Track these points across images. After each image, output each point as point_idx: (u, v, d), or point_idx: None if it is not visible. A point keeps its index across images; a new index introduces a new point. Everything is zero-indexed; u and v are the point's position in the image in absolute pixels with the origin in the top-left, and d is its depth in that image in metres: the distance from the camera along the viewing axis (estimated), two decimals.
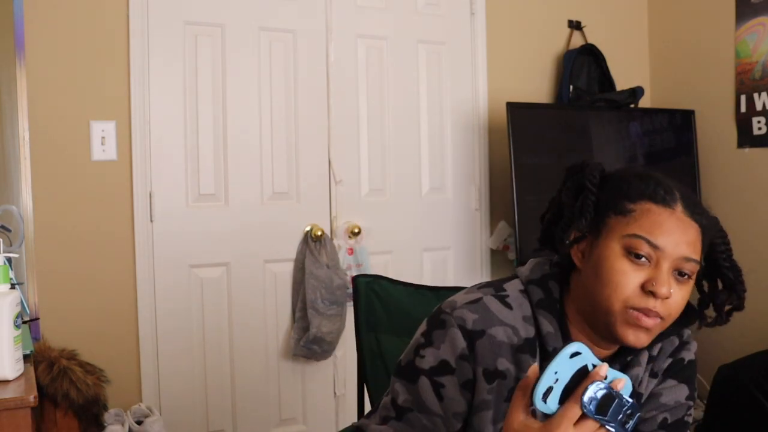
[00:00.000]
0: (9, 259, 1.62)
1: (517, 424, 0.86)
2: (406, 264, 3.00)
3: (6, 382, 1.48)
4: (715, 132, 3.31)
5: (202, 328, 2.68)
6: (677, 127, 3.33)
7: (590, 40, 3.38)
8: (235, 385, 2.73)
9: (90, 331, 2.45)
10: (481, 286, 1.14)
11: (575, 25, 3.40)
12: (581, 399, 0.83)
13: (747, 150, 3.20)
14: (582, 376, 0.86)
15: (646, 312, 1.00)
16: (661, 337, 1.10)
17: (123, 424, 2.28)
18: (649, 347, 1.14)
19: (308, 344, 2.72)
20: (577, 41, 3.39)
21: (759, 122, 3.13)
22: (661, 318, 1.01)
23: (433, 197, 3.10)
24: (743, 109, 3.19)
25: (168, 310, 2.61)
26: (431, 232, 3.09)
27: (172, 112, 2.63)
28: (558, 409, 0.85)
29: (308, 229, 2.82)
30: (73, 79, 2.47)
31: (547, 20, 3.35)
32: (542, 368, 0.86)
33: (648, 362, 1.14)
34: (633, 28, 3.60)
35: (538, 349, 1.08)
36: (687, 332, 1.19)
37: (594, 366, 0.86)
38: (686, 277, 1.03)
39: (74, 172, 2.48)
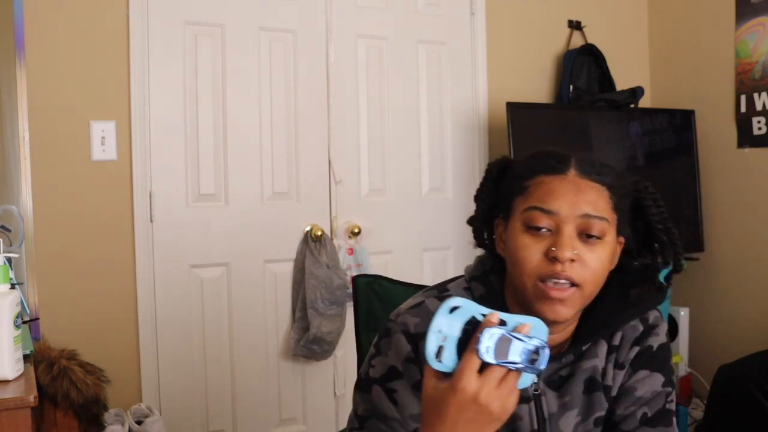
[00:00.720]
0: (9, 259, 1.62)
1: (429, 390, 0.88)
2: (406, 264, 3.00)
3: (6, 382, 1.48)
4: (715, 132, 3.31)
5: (202, 328, 2.68)
6: (677, 127, 3.33)
7: (590, 40, 3.38)
8: (235, 385, 2.73)
9: (90, 331, 2.45)
10: (426, 290, 1.16)
11: (575, 25, 3.40)
12: (477, 348, 0.83)
13: (747, 150, 3.20)
14: (476, 329, 0.86)
15: (555, 277, 0.99)
16: (619, 323, 1.09)
17: (123, 424, 2.28)
18: (609, 337, 1.11)
19: (308, 344, 2.72)
20: (577, 41, 3.39)
21: (759, 122, 3.13)
22: (575, 285, 1.00)
23: (433, 197, 3.10)
24: (743, 109, 3.19)
25: (168, 310, 2.61)
26: (431, 232, 3.09)
27: (172, 112, 2.63)
28: (458, 363, 0.85)
29: (308, 229, 2.82)
30: (73, 79, 2.47)
31: (547, 20, 3.35)
32: None
33: (610, 352, 1.11)
34: (633, 28, 3.60)
35: None
36: (653, 315, 1.13)
37: (484, 316, 0.86)
38: (595, 238, 1.01)
39: (74, 172, 2.48)
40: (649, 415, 1.09)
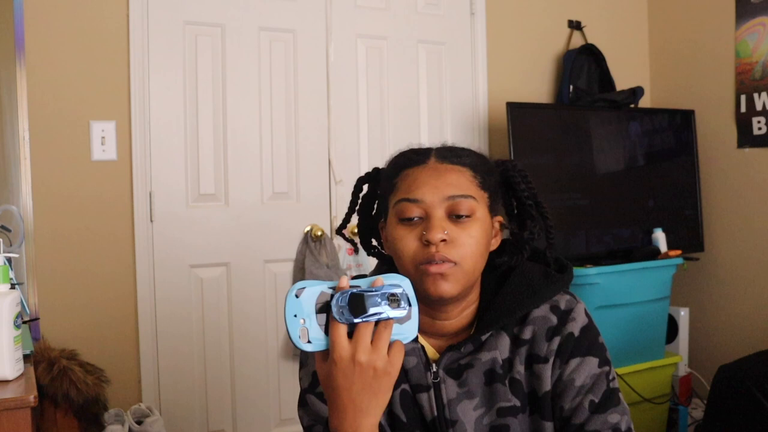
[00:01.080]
0: (9, 259, 1.62)
1: (321, 375, 0.91)
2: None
3: (6, 382, 1.48)
4: (715, 132, 3.31)
5: (202, 328, 2.68)
6: (677, 127, 3.33)
7: (590, 40, 3.38)
8: (235, 385, 2.73)
9: (90, 331, 2.45)
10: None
11: (575, 25, 3.40)
12: (332, 315, 0.85)
13: (747, 150, 3.20)
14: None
15: (431, 259, 1.03)
16: (519, 311, 1.09)
17: (123, 424, 2.28)
18: (516, 330, 1.11)
19: None
20: (577, 41, 3.39)
21: (759, 122, 3.13)
22: (453, 262, 1.04)
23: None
24: (743, 109, 3.19)
25: (168, 310, 2.61)
26: None
27: (172, 112, 2.63)
28: (327, 338, 0.87)
29: (308, 229, 2.83)
30: (73, 79, 2.47)
31: (547, 20, 3.35)
32: None
33: (518, 345, 1.10)
34: (633, 28, 3.60)
35: None
36: (564, 300, 1.12)
37: (332, 288, 0.88)
38: (465, 217, 1.06)
39: (74, 172, 2.48)
40: (597, 401, 1.08)
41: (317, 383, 1.11)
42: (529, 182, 1.15)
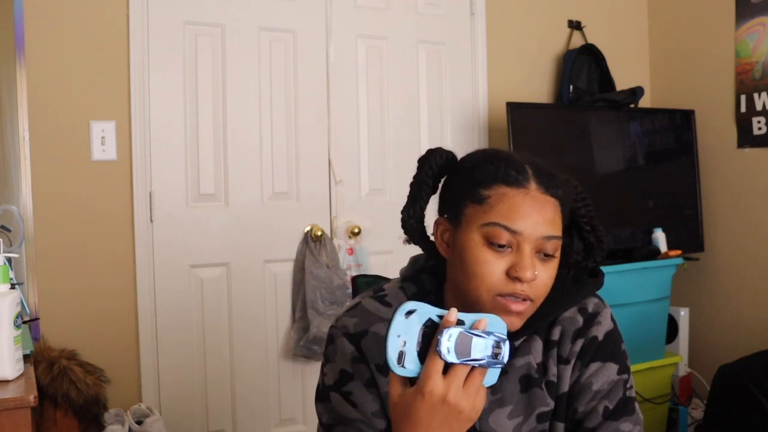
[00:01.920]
0: (9, 259, 1.62)
1: (396, 398, 0.89)
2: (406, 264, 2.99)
3: (6, 382, 1.49)
4: (715, 132, 3.31)
5: (202, 328, 2.68)
6: (677, 127, 3.33)
7: (590, 40, 3.37)
8: (235, 385, 2.73)
9: (90, 331, 2.45)
10: (363, 292, 1.19)
11: (575, 25, 3.40)
12: (438, 350, 0.83)
13: (747, 150, 3.20)
14: (435, 330, 0.86)
15: (515, 295, 1.00)
16: (552, 314, 1.09)
17: (123, 424, 2.28)
18: (546, 332, 1.11)
19: (308, 344, 2.72)
20: (577, 41, 3.39)
21: (759, 122, 3.13)
22: (531, 300, 1.02)
23: (433, 197, 3.10)
24: (743, 109, 3.19)
25: (168, 310, 2.61)
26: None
27: (172, 112, 2.63)
28: (421, 366, 0.86)
29: (308, 229, 2.82)
30: (73, 79, 2.47)
31: (547, 20, 3.35)
32: None
33: (549, 347, 1.10)
34: (633, 28, 3.60)
35: None
36: (592, 303, 1.13)
37: (440, 317, 0.86)
38: (550, 256, 1.03)
39: (74, 172, 2.48)
40: (611, 408, 1.07)
41: (344, 382, 1.10)
42: (589, 207, 1.12)
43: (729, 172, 3.28)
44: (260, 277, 2.78)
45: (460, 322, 0.86)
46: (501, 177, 1.03)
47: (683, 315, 3.25)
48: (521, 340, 1.10)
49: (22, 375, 1.54)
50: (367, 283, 1.79)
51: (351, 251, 2.88)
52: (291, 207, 2.83)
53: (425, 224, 1.15)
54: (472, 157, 1.10)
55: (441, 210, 1.12)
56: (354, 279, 1.81)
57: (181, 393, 2.63)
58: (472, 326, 0.86)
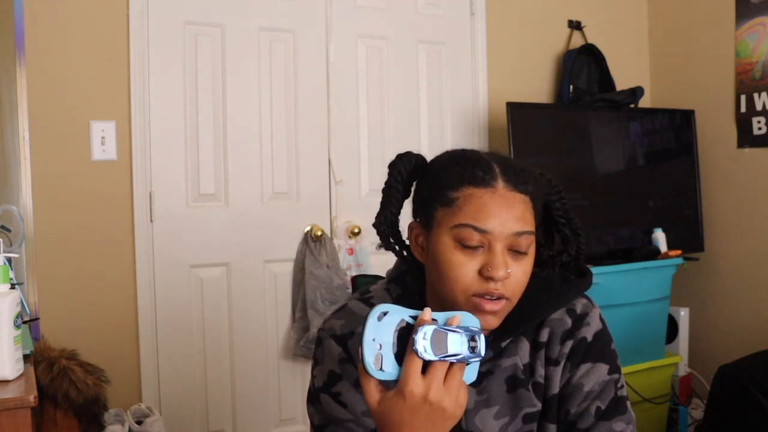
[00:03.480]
0: (9, 259, 1.62)
1: (375, 404, 0.87)
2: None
3: (6, 382, 1.48)
4: (715, 132, 3.31)
5: (202, 328, 2.68)
6: (677, 127, 3.33)
7: (590, 40, 3.37)
8: (235, 385, 2.73)
9: (90, 331, 2.45)
10: (352, 294, 1.20)
11: (575, 25, 3.40)
12: (414, 349, 0.83)
13: (747, 150, 3.20)
14: (410, 331, 0.85)
15: (489, 294, 1.00)
16: (539, 316, 1.09)
17: (123, 424, 2.28)
18: (534, 333, 1.10)
19: (308, 344, 2.72)
20: (577, 41, 3.39)
21: (759, 122, 3.13)
22: (506, 298, 1.02)
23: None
24: (743, 109, 3.19)
25: (168, 310, 2.61)
26: None
27: (172, 112, 2.63)
28: (399, 369, 0.85)
29: (308, 229, 2.82)
30: (73, 79, 2.47)
31: (547, 20, 3.35)
32: None
33: (537, 349, 1.10)
34: (633, 28, 3.60)
35: None
36: (581, 304, 1.12)
37: (413, 317, 0.86)
38: (523, 253, 1.02)
39: (74, 172, 2.48)
40: (603, 408, 1.07)
41: (333, 383, 1.10)
42: (563, 200, 1.11)
43: (729, 172, 3.28)
44: (260, 277, 2.78)
45: (433, 321, 0.85)
46: (468, 178, 1.03)
47: (683, 315, 3.25)
48: (508, 341, 1.09)
49: (22, 375, 1.54)
50: (366, 283, 1.79)
51: (351, 251, 2.88)
52: (291, 207, 2.83)
53: (401, 229, 1.14)
54: (439, 160, 1.10)
55: (414, 214, 1.13)
56: (354, 279, 1.82)
57: (181, 393, 2.63)
58: (446, 323, 0.86)
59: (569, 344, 1.09)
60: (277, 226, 2.80)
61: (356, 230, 2.86)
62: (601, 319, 1.13)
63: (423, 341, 0.83)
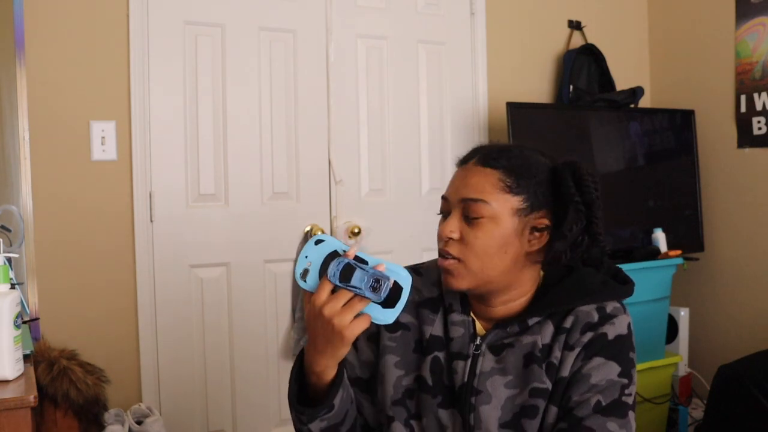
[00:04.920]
0: (9, 259, 1.62)
1: (306, 316, 1.05)
2: (406, 264, 2.99)
3: (6, 382, 1.48)
4: (715, 132, 3.31)
5: (202, 328, 2.68)
6: (677, 127, 3.33)
7: (590, 40, 3.38)
8: (235, 385, 2.73)
9: (90, 331, 2.45)
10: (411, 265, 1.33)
11: (575, 25, 3.40)
12: (326, 272, 1.01)
13: (747, 150, 3.20)
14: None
15: (441, 253, 1.16)
16: (566, 305, 1.15)
17: (123, 424, 2.28)
18: (560, 318, 1.15)
19: None
20: (577, 41, 3.39)
21: (759, 122, 3.13)
22: (457, 259, 1.14)
23: (433, 197, 3.10)
24: (743, 109, 3.19)
25: (168, 310, 2.61)
26: (431, 232, 3.05)
27: (172, 112, 2.63)
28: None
29: (308, 229, 2.82)
30: (73, 79, 2.47)
31: (547, 20, 3.35)
32: None
33: (558, 333, 1.15)
34: (633, 28, 3.60)
35: (441, 306, 1.23)
36: (612, 306, 1.16)
37: (344, 251, 1.02)
38: (474, 219, 1.14)
39: (74, 172, 2.48)
40: (603, 404, 1.10)
41: None
42: (585, 185, 1.16)
43: (729, 172, 3.28)
44: (260, 277, 2.78)
45: (363, 262, 1.01)
46: (458, 161, 1.22)
47: (683, 315, 3.25)
48: (535, 320, 1.16)
49: (22, 375, 1.53)
50: None
51: None
52: (291, 207, 2.83)
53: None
54: None
55: None
56: None
57: (181, 393, 2.63)
58: (373, 267, 1.00)
59: (589, 335, 1.13)
60: (277, 226, 2.80)
61: (356, 230, 2.86)
62: (629, 327, 1.17)
63: (334, 268, 1.00)
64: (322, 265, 1.02)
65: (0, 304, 1.47)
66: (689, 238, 3.28)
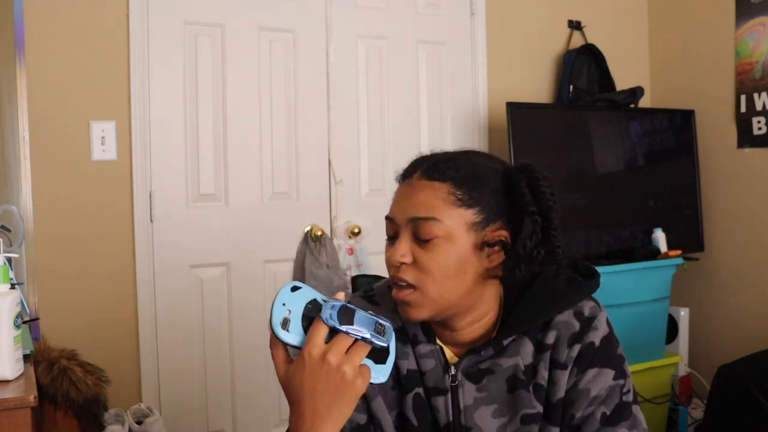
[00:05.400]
0: (9, 259, 1.62)
1: (281, 377, 0.88)
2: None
3: (6, 382, 1.48)
4: (715, 132, 3.31)
5: (202, 328, 2.68)
6: (677, 127, 3.33)
7: (590, 40, 3.37)
8: (235, 385, 2.73)
9: (90, 331, 2.45)
10: (356, 292, 1.22)
11: (575, 25, 3.40)
12: (320, 315, 0.85)
13: (747, 150, 3.20)
14: (320, 310, 0.87)
15: (395, 281, 1.03)
16: (541, 317, 1.07)
17: (123, 424, 2.28)
18: (541, 334, 1.08)
19: None
20: (577, 41, 3.39)
21: (759, 122, 3.13)
22: (413, 286, 1.02)
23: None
24: (743, 109, 3.19)
25: (168, 310, 2.61)
26: None
27: (172, 112, 2.63)
28: (305, 337, 0.86)
29: (308, 229, 2.82)
30: (73, 79, 2.47)
31: (547, 20, 3.35)
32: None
33: (542, 351, 1.08)
34: (633, 28, 3.60)
35: (404, 336, 1.11)
36: (588, 307, 1.10)
37: (324, 300, 0.88)
38: (427, 241, 1.01)
39: (74, 172, 2.48)
40: (608, 414, 1.06)
41: None
42: (541, 192, 1.05)
43: (729, 172, 3.28)
44: (260, 277, 2.78)
45: (349, 303, 0.88)
46: (401, 175, 1.09)
47: (683, 315, 3.25)
48: (510, 339, 1.09)
49: (22, 375, 1.53)
50: (367, 283, 1.79)
51: (351, 251, 2.88)
52: (291, 207, 2.83)
53: None
54: None
55: None
56: (354, 279, 1.82)
57: (181, 393, 2.63)
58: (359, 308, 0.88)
59: (577, 348, 1.07)
60: (277, 226, 2.80)
61: (356, 230, 2.86)
62: (609, 323, 1.11)
63: (330, 310, 0.85)
64: (304, 315, 0.87)
65: (0, 304, 1.47)
66: (689, 238, 3.28)
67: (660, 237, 3.10)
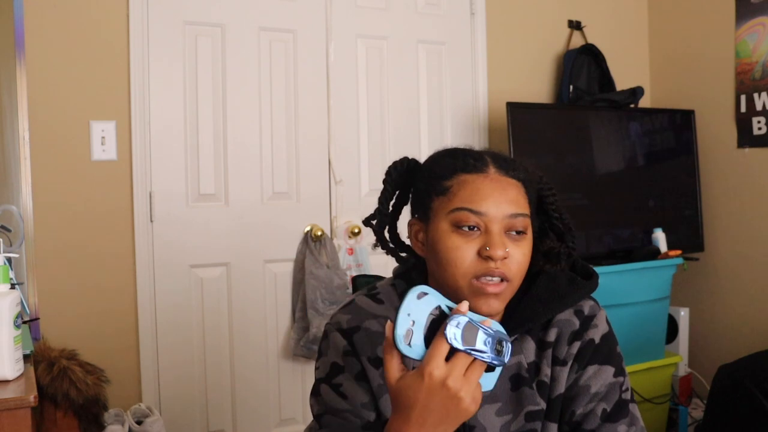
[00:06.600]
0: (9, 259, 1.62)
1: (393, 383, 0.87)
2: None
3: (6, 382, 1.48)
4: (715, 132, 3.31)
5: (202, 328, 2.68)
6: (677, 127, 3.33)
7: (590, 40, 3.38)
8: (235, 385, 2.73)
9: (90, 331, 2.45)
10: (359, 291, 1.21)
11: (575, 25, 3.40)
12: (445, 333, 0.83)
13: (747, 150, 3.20)
14: (443, 319, 0.86)
15: (490, 274, 1.01)
16: (544, 316, 1.09)
17: (123, 424, 2.28)
18: (542, 332, 1.11)
19: (308, 344, 2.72)
20: (577, 41, 3.39)
21: (759, 122, 3.13)
22: (506, 280, 1.03)
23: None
24: (743, 109, 3.19)
25: (168, 310, 2.61)
26: None
27: (172, 112, 2.63)
28: (425, 350, 0.85)
29: (308, 229, 2.83)
30: (73, 79, 2.47)
31: (547, 20, 3.35)
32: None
33: (544, 348, 1.11)
34: (633, 28, 3.60)
35: None
36: (588, 305, 1.13)
37: (449, 307, 0.87)
38: (521, 233, 1.05)
39: (74, 172, 2.48)
40: (609, 410, 1.09)
41: (335, 374, 1.12)
42: (555, 195, 1.14)
43: (729, 172, 3.28)
44: (260, 277, 2.78)
45: (471, 318, 0.86)
46: (460, 167, 1.07)
47: (683, 315, 3.25)
48: (513, 338, 1.10)
49: (22, 375, 1.53)
50: (367, 283, 1.79)
51: (351, 251, 2.88)
52: (291, 207, 2.83)
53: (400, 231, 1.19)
54: (432, 156, 1.15)
55: (412, 212, 1.16)
56: (354, 279, 1.82)
57: (181, 393, 2.63)
58: (480, 323, 0.86)
59: (577, 345, 1.10)
60: (277, 226, 2.80)
61: (356, 230, 2.86)
62: (608, 322, 1.15)
63: (455, 329, 0.83)
64: (429, 327, 0.85)
65: (0, 304, 1.47)
66: (689, 238, 3.28)
67: (660, 237, 3.10)
